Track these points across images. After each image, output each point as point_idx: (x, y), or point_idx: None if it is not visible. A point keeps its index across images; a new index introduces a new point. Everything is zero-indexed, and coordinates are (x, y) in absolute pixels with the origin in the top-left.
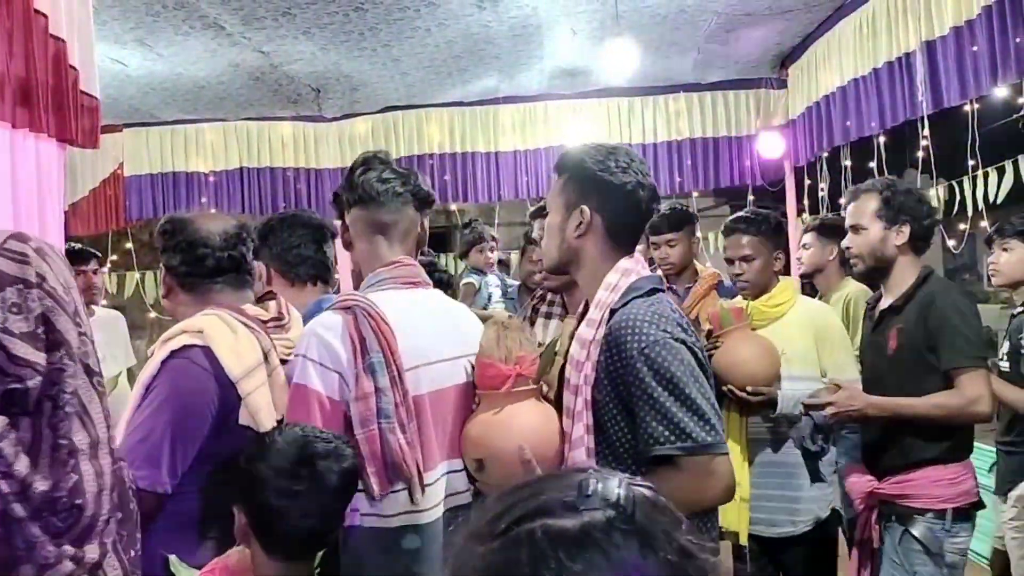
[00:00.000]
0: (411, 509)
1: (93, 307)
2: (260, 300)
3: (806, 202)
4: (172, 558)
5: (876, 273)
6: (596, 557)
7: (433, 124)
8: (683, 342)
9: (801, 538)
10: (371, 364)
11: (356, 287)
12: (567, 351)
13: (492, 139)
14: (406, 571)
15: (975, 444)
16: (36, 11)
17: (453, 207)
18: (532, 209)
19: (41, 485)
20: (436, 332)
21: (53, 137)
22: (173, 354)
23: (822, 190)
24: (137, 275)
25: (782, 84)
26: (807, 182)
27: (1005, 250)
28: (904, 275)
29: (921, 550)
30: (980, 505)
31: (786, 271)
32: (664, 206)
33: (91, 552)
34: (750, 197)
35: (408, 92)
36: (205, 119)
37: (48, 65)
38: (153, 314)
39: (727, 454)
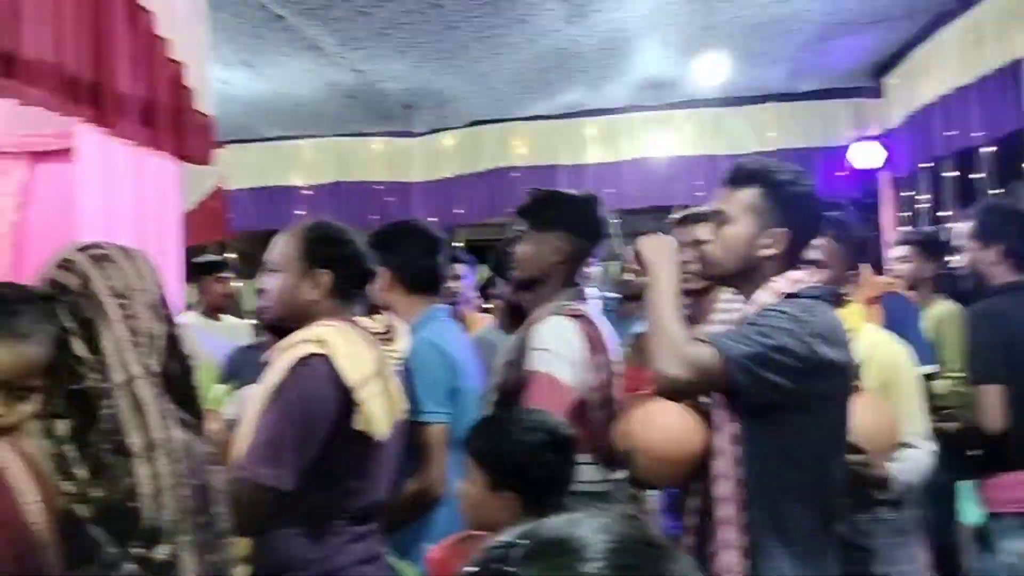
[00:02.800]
0: (597, 478)
1: (220, 315)
2: (368, 313)
3: (904, 215)
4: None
5: None
6: None
7: (518, 138)
8: (811, 350)
9: None
10: (602, 361)
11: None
12: None
13: (576, 152)
14: None
15: None
16: (158, 36)
17: None
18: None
19: (97, 491)
20: None
21: (172, 154)
22: (301, 361)
23: (920, 203)
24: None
25: (878, 93)
26: (906, 194)
27: None
28: None
29: None
30: None
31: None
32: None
33: (160, 552)
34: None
35: (494, 107)
36: (302, 135)
37: (167, 86)
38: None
39: None
